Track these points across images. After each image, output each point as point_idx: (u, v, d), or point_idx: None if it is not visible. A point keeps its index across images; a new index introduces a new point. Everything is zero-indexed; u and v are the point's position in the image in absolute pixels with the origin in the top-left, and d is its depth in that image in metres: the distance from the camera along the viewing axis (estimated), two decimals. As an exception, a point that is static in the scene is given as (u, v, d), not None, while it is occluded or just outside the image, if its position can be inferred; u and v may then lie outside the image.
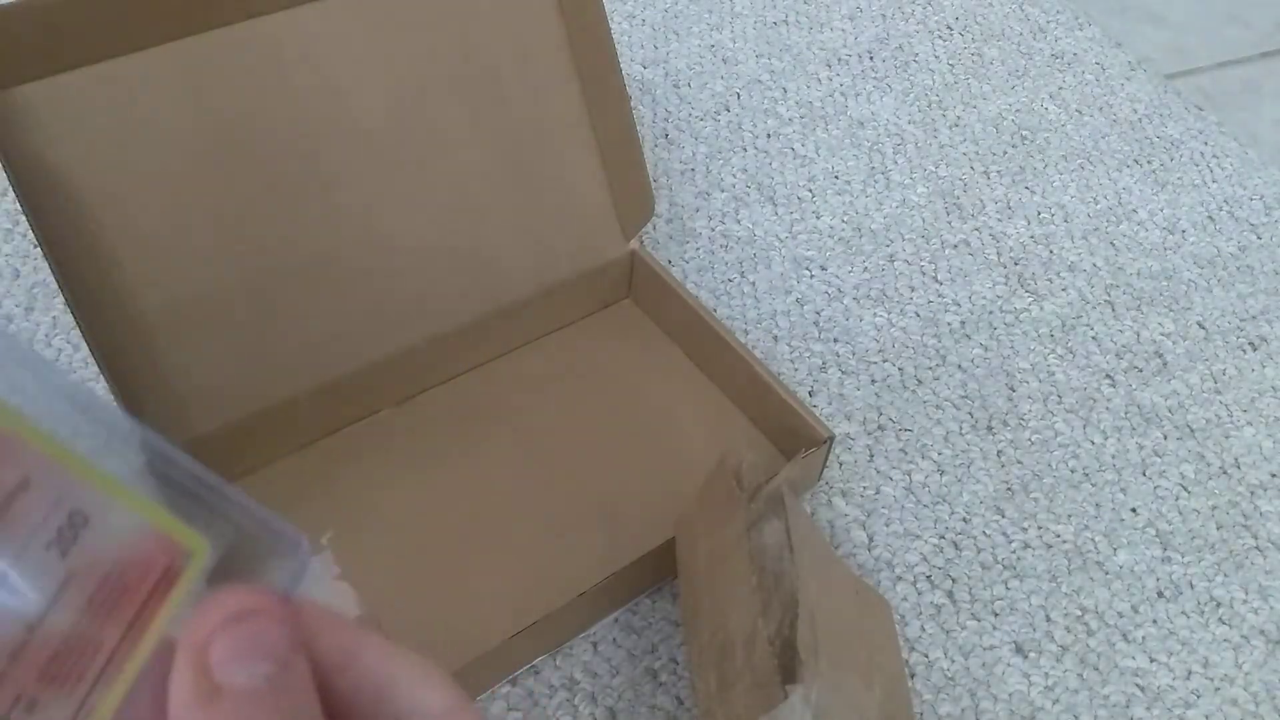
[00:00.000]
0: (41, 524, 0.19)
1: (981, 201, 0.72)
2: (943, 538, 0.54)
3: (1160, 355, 0.64)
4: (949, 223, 0.70)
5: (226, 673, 0.18)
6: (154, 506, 0.20)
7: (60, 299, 0.61)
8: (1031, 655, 0.50)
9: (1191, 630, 0.52)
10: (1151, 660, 0.51)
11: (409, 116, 0.53)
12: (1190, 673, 0.50)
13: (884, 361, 0.62)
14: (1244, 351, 0.65)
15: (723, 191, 0.71)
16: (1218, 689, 0.50)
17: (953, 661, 0.50)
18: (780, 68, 0.81)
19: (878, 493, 0.56)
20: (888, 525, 0.55)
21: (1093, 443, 0.59)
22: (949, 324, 0.64)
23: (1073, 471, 0.58)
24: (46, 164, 0.45)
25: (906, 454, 0.58)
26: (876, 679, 0.43)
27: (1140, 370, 0.63)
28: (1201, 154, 0.77)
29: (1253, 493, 0.58)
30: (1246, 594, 0.53)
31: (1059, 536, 0.55)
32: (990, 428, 0.59)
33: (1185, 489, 0.57)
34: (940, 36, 0.85)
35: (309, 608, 0.20)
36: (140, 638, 0.19)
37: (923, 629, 0.51)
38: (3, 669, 0.18)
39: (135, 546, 0.20)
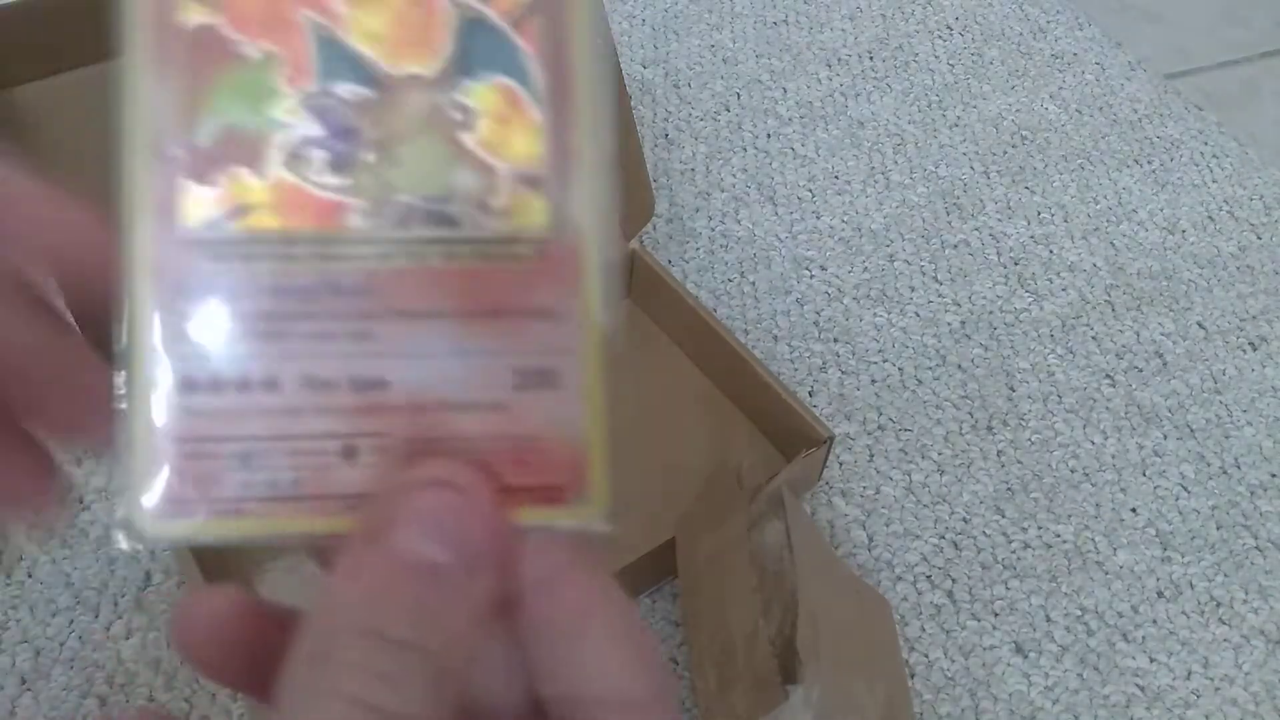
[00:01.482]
0: (519, 350, 0.19)
1: (981, 201, 0.72)
2: (943, 538, 0.54)
3: (1160, 355, 0.64)
4: (949, 223, 0.70)
5: (399, 534, 0.17)
6: (601, 423, 0.19)
7: (60, 299, 0.61)
8: (1031, 655, 0.50)
9: (1191, 630, 0.52)
10: (1151, 660, 0.51)
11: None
12: (1190, 673, 0.50)
13: (884, 361, 0.62)
14: (1244, 351, 0.65)
15: (723, 191, 0.71)
16: (1218, 689, 0.50)
17: (953, 661, 0.50)
18: (780, 68, 0.81)
19: (878, 493, 0.56)
20: (888, 525, 0.55)
21: (1093, 443, 0.59)
22: (949, 324, 0.64)
23: (1073, 471, 0.58)
24: (46, 164, 0.45)
25: (906, 454, 0.58)
26: (877, 679, 0.43)
27: (1140, 370, 0.63)
28: (1201, 154, 0.77)
29: (1253, 493, 0.58)
30: (1246, 594, 0.53)
31: (1059, 536, 0.55)
32: (990, 428, 0.59)
33: (1185, 489, 0.57)
34: (940, 36, 0.85)
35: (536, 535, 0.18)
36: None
37: (923, 629, 0.51)
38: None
39: (549, 443, 0.19)
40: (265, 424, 0.18)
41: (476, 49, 0.19)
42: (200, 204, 0.18)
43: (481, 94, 0.19)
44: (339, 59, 0.19)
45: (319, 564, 0.19)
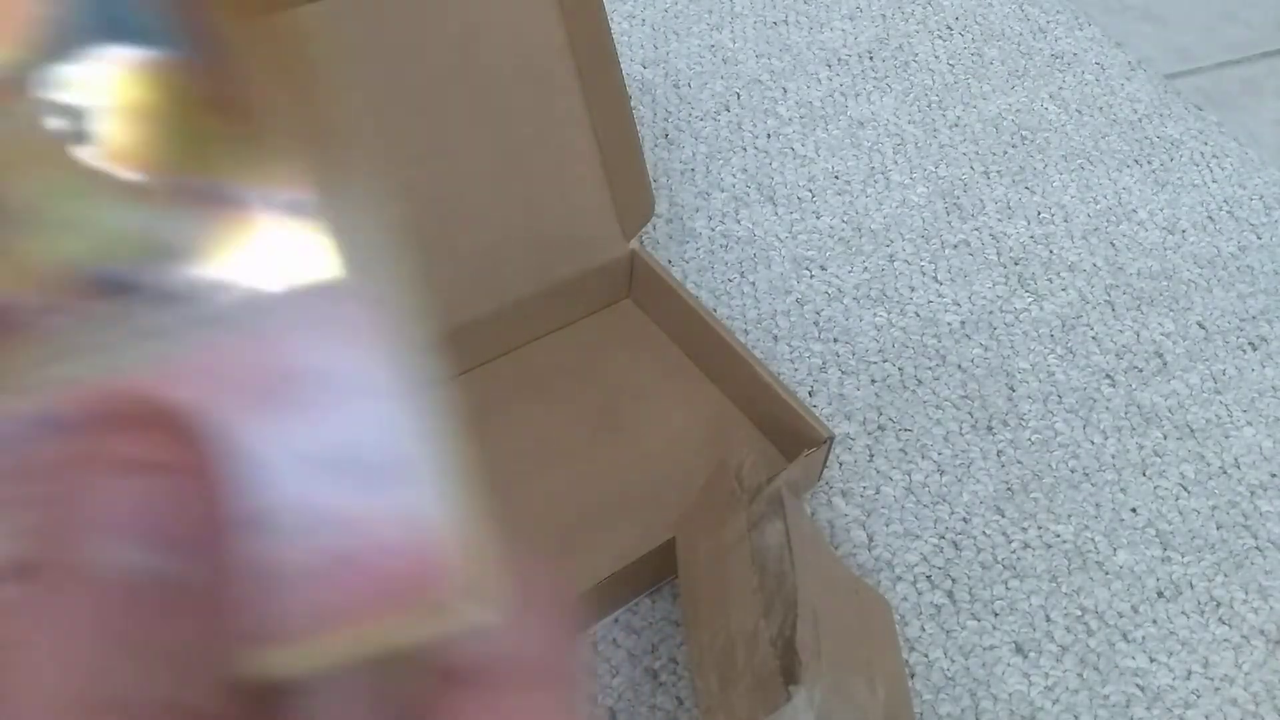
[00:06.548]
0: (324, 440, 0.13)
1: (981, 201, 0.72)
2: (943, 538, 0.54)
3: (1160, 355, 0.64)
4: (949, 223, 0.70)
5: (90, 549, 0.11)
6: (460, 500, 0.14)
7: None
8: (1031, 655, 0.50)
9: (1191, 630, 0.52)
10: (1151, 660, 0.51)
11: (408, 117, 0.53)
12: (1190, 673, 0.50)
13: (884, 361, 0.62)
14: (1244, 351, 0.65)
15: (723, 191, 0.71)
16: (1218, 689, 0.50)
17: (953, 661, 0.50)
18: (780, 68, 0.81)
19: (878, 493, 0.56)
20: (888, 525, 0.55)
21: (1093, 443, 0.59)
22: (949, 324, 0.64)
23: (1073, 471, 0.58)
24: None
25: (906, 454, 0.58)
26: (878, 679, 0.43)
27: (1140, 370, 0.63)
28: (1201, 154, 0.77)
29: (1253, 493, 0.58)
30: (1246, 594, 0.53)
31: (1059, 536, 0.55)
32: (990, 428, 0.59)
33: (1185, 489, 0.57)
34: (940, 36, 0.85)
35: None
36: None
37: (923, 629, 0.51)
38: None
39: (395, 546, 0.13)
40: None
41: (88, 6, 0.12)
42: None
43: (108, 79, 0.12)
44: None
45: None
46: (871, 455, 0.58)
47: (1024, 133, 0.77)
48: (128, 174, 0.12)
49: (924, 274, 0.67)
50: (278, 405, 0.13)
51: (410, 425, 0.13)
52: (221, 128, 0.12)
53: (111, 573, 0.11)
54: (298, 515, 0.13)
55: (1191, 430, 0.60)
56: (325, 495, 0.13)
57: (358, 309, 0.13)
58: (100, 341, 0.12)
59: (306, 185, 0.12)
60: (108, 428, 0.12)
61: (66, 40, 0.11)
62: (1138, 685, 0.50)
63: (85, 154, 0.12)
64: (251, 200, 0.12)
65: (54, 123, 0.12)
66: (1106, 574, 0.54)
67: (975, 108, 0.79)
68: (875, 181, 0.73)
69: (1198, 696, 0.50)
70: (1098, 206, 0.73)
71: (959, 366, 0.62)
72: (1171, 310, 0.67)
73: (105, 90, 0.12)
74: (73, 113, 0.12)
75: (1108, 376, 0.63)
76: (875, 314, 0.65)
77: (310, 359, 0.13)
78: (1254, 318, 0.67)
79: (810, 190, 0.72)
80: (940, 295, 0.66)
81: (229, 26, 0.12)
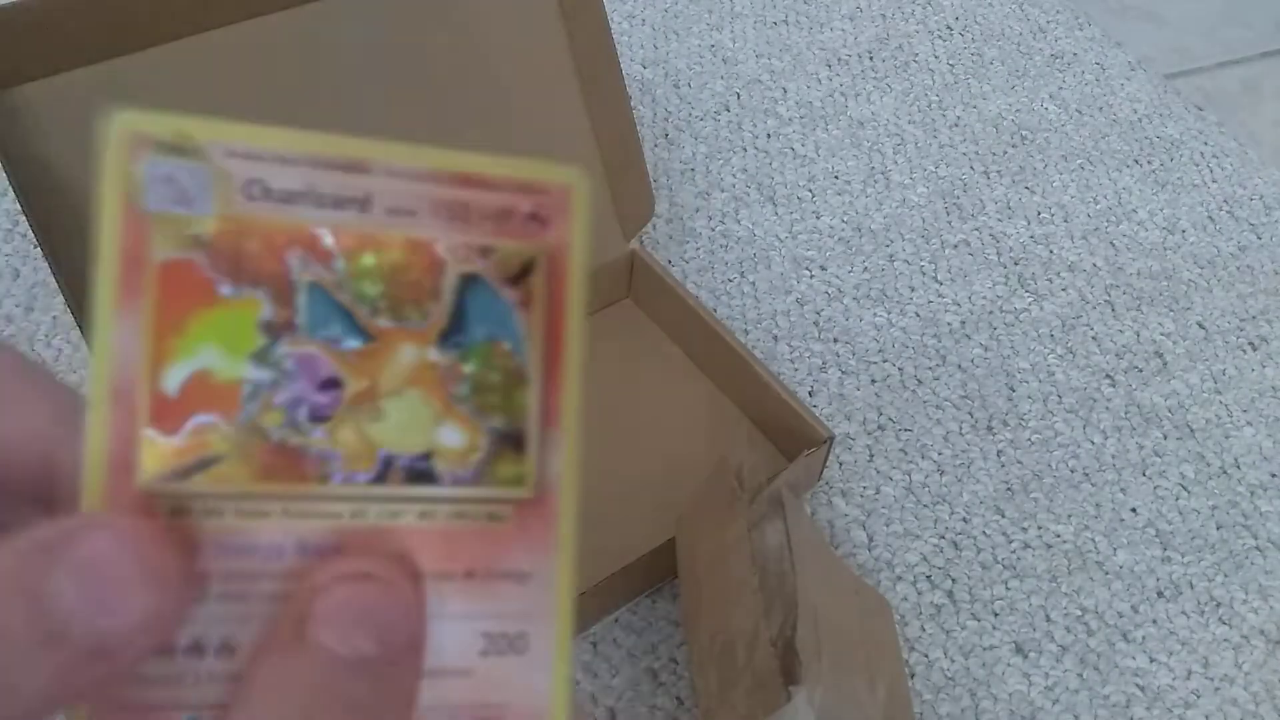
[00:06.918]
0: (490, 615, 0.18)
1: (981, 201, 0.72)
2: (943, 538, 0.54)
3: (1160, 355, 0.64)
4: (949, 223, 0.70)
5: (322, 630, 0.16)
6: (566, 680, 0.19)
7: (60, 299, 0.61)
8: (1031, 655, 0.50)
9: (1191, 630, 0.52)
10: (1151, 660, 0.51)
11: (408, 117, 0.53)
12: (1190, 673, 0.50)
13: (884, 361, 0.62)
14: (1244, 351, 0.65)
15: (723, 191, 0.71)
16: (1218, 689, 0.50)
17: (953, 661, 0.50)
18: (780, 68, 0.81)
19: (878, 493, 0.56)
20: (888, 525, 0.55)
21: (1093, 443, 0.59)
22: (949, 324, 0.64)
23: (1073, 471, 0.58)
24: (46, 164, 0.45)
25: (906, 454, 0.58)
26: (878, 679, 0.43)
27: (1140, 370, 0.63)
28: (1201, 154, 0.77)
29: (1253, 493, 0.58)
30: (1246, 594, 0.53)
31: (1059, 536, 0.55)
32: (990, 428, 0.59)
33: (1185, 489, 0.57)
34: (940, 36, 0.85)
35: None
36: None
37: (923, 629, 0.51)
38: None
39: (513, 711, 0.18)
40: (217, 692, 0.17)
41: (470, 306, 0.18)
42: (162, 456, 0.17)
43: (473, 352, 0.18)
44: (328, 309, 0.17)
45: None
46: (871, 455, 0.58)
47: (1024, 133, 0.77)
48: (461, 407, 0.18)
49: (924, 274, 0.67)
50: (463, 578, 0.18)
51: (545, 609, 0.18)
52: (514, 388, 0.19)
53: (339, 650, 0.16)
54: (452, 665, 0.18)
55: (1191, 430, 0.60)
56: (473, 654, 0.18)
57: (538, 518, 0.18)
58: (365, 497, 0.18)
59: (534, 425, 0.19)
60: (353, 550, 0.17)
61: (459, 321, 0.18)
62: (1138, 685, 0.50)
63: (447, 392, 0.18)
64: (506, 433, 0.18)
65: (442, 368, 0.18)
66: (1106, 574, 0.54)
67: (975, 108, 0.79)
68: (875, 181, 0.73)
69: (1198, 696, 0.50)
70: (1097, 206, 0.73)
71: (959, 366, 0.62)
72: (1171, 310, 0.67)
73: (472, 356, 0.18)
74: (452, 365, 0.18)
75: (1108, 376, 0.63)
76: (875, 314, 0.65)
77: (494, 549, 0.18)
78: (1254, 318, 0.67)
79: (810, 190, 0.72)
80: (940, 295, 0.66)
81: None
